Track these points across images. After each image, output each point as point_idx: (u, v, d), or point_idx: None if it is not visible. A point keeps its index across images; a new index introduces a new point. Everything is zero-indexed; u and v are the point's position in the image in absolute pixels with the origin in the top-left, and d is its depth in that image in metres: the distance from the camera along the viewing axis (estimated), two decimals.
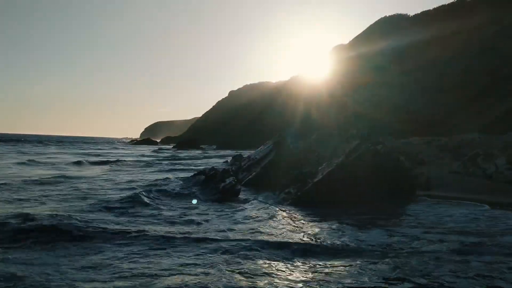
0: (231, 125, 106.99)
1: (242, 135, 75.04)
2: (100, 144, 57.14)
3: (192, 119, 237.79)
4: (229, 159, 23.14)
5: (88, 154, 32.26)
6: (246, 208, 8.19)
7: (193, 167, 19.16)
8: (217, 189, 9.36)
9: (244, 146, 49.38)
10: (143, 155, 33.46)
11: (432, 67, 50.14)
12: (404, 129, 44.91)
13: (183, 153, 37.10)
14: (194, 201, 8.89)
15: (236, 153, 22.68)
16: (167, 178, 12.65)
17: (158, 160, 27.04)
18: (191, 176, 10.75)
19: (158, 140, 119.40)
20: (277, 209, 8.13)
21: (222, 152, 43.17)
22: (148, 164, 21.88)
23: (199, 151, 46.43)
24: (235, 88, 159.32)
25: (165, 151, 45.72)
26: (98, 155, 31.41)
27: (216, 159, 28.04)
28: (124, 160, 23.86)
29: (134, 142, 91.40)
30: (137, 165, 21.05)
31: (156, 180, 12.54)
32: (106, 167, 19.55)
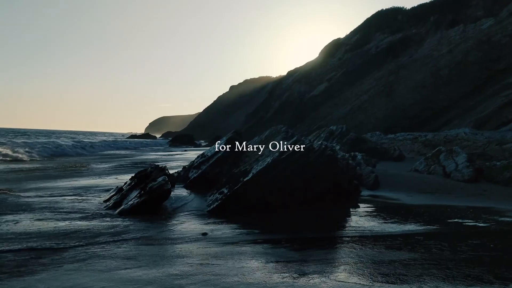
0: (230, 120, 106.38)
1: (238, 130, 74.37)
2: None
3: (195, 114, 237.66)
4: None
5: None
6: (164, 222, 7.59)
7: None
8: (145, 190, 8.61)
9: None
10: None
11: (429, 61, 49.24)
12: (399, 124, 44.25)
13: (150, 151, 33.98)
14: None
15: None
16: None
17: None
18: (131, 177, 9.84)
19: (159, 135, 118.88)
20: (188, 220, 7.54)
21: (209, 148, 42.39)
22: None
23: (188, 147, 45.80)
24: (236, 83, 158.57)
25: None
26: None
27: (193, 156, 27.25)
28: None
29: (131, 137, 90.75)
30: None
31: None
32: None
